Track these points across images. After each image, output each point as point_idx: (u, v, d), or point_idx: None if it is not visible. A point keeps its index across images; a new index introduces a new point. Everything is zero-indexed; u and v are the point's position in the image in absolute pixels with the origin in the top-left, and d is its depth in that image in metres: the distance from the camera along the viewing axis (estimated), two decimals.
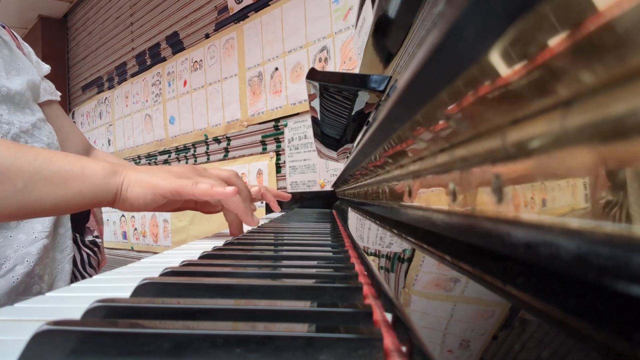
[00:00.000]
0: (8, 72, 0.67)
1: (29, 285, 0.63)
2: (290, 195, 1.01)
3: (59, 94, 0.82)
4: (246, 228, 0.72)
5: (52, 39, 3.53)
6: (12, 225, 0.63)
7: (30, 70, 0.72)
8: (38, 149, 0.49)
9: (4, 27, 0.74)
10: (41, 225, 0.66)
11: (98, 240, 0.82)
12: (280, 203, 1.18)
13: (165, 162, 2.43)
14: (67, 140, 0.81)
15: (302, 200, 1.39)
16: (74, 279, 0.76)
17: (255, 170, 1.81)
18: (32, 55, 0.79)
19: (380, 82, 0.40)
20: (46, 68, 0.81)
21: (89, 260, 0.79)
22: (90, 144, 0.89)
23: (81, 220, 0.81)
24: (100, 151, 0.91)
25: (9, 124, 0.63)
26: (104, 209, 2.12)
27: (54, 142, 0.71)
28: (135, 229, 2.66)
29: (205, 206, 0.63)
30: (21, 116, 0.66)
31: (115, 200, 0.51)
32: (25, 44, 0.79)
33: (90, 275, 0.79)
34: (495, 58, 0.11)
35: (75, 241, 0.78)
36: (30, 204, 0.46)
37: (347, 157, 0.72)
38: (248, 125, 1.85)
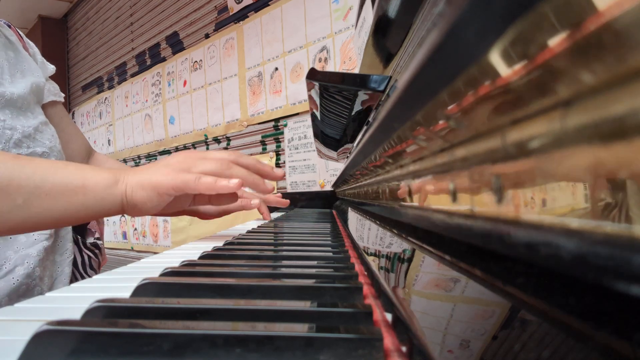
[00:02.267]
0: (12, 75, 0.67)
1: (31, 287, 0.63)
2: (288, 201, 0.98)
3: (63, 95, 0.82)
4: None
5: (52, 39, 3.53)
6: None
7: (35, 71, 0.72)
8: (37, 160, 0.48)
9: (10, 27, 0.73)
10: None
11: (99, 242, 0.82)
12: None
13: None
14: (71, 142, 0.80)
15: (302, 200, 1.39)
16: (74, 280, 0.75)
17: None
18: (38, 56, 0.78)
19: (380, 82, 0.40)
20: (51, 68, 0.80)
21: (90, 262, 0.79)
22: (91, 147, 0.89)
23: None
24: (101, 154, 0.91)
25: (12, 129, 0.62)
26: None
27: (56, 145, 0.70)
28: (135, 229, 2.66)
29: (216, 199, 0.59)
30: (23, 120, 0.65)
31: (124, 209, 0.50)
32: (31, 43, 0.78)
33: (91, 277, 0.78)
34: (495, 58, 0.11)
35: (76, 243, 0.78)
36: (31, 218, 0.45)
37: (347, 157, 0.72)
38: (248, 125, 1.84)
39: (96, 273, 0.80)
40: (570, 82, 0.09)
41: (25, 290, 0.62)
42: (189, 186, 0.49)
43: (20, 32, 0.76)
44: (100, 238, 0.84)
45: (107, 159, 0.90)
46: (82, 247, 0.78)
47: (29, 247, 0.64)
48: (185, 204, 0.56)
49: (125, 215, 0.51)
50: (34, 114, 0.69)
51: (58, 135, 0.74)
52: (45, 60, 0.80)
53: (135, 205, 0.49)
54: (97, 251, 0.81)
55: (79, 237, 0.78)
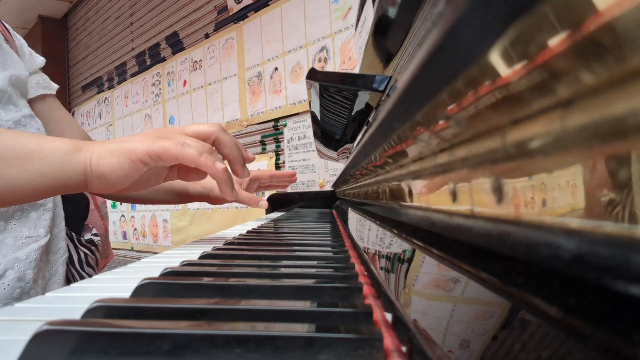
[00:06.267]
0: None
1: (26, 291, 0.62)
2: (294, 172, 0.94)
3: (56, 86, 0.79)
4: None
5: (52, 39, 3.53)
6: (0, 228, 0.62)
7: (17, 64, 0.69)
8: None
9: None
10: (28, 230, 0.64)
11: (96, 238, 0.81)
12: (279, 203, 1.18)
13: None
14: (65, 134, 0.78)
15: (302, 200, 1.39)
16: (71, 278, 0.74)
17: (255, 170, 1.81)
18: (25, 48, 0.75)
19: (380, 82, 0.40)
20: (40, 61, 0.77)
21: (87, 259, 0.77)
22: (90, 138, 0.86)
23: (78, 218, 0.79)
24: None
25: None
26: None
27: None
28: (135, 229, 2.66)
29: (189, 173, 0.52)
30: (3, 114, 0.63)
31: (87, 181, 0.44)
32: (18, 36, 0.76)
33: (89, 275, 0.78)
34: (495, 58, 0.11)
35: (71, 240, 0.76)
36: None
37: (347, 157, 0.72)
38: (247, 125, 1.84)
39: (94, 270, 0.79)
40: (570, 82, 0.09)
41: (20, 293, 0.61)
42: (169, 152, 0.43)
43: (6, 25, 0.74)
44: (99, 234, 0.83)
45: None
46: (77, 245, 0.77)
47: (17, 250, 0.62)
48: (156, 180, 0.50)
49: (90, 192, 0.46)
50: (17, 106, 0.66)
51: (51, 128, 0.72)
52: (33, 53, 0.77)
53: (101, 174, 0.43)
54: (93, 248, 0.79)
55: (73, 234, 0.77)
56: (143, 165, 0.44)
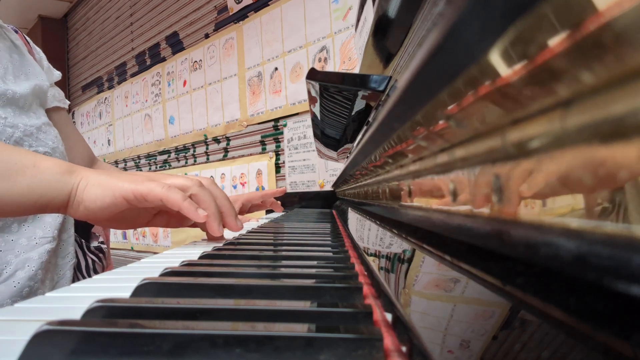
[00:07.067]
0: (16, 77, 0.68)
1: (34, 290, 0.63)
2: (284, 188, 1.01)
3: (68, 102, 0.83)
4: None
5: (52, 39, 3.53)
6: (14, 230, 0.63)
7: (39, 75, 0.73)
8: None
9: (16, 32, 0.74)
10: (42, 231, 0.65)
11: (103, 246, 0.82)
12: (280, 203, 1.18)
13: (165, 162, 2.43)
14: (73, 149, 0.81)
15: (302, 200, 1.39)
16: None
17: (255, 170, 1.81)
18: (44, 61, 0.79)
19: (380, 82, 0.40)
20: (57, 74, 0.81)
21: (94, 266, 0.79)
22: (94, 156, 0.89)
23: (87, 225, 0.81)
24: (105, 163, 0.92)
25: (13, 127, 0.63)
26: None
27: (59, 147, 0.70)
28: (135, 229, 2.65)
29: (176, 221, 0.53)
30: (26, 119, 0.65)
31: (69, 204, 0.45)
32: (38, 49, 0.80)
33: None
34: (495, 58, 0.11)
35: (80, 246, 0.78)
36: None
37: (347, 157, 0.72)
38: (247, 125, 1.84)
39: None
40: (570, 82, 0.09)
41: (28, 292, 0.62)
42: (154, 192, 0.44)
43: (27, 38, 0.78)
44: (105, 243, 0.84)
45: (110, 167, 0.91)
46: (86, 251, 0.78)
47: (30, 250, 0.64)
48: (141, 220, 0.51)
49: (68, 215, 0.46)
50: (37, 114, 0.69)
51: (62, 140, 0.75)
52: (51, 66, 0.81)
53: (82, 201, 0.44)
54: (100, 255, 0.81)
55: (82, 240, 0.79)
56: (125, 202, 0.45)
